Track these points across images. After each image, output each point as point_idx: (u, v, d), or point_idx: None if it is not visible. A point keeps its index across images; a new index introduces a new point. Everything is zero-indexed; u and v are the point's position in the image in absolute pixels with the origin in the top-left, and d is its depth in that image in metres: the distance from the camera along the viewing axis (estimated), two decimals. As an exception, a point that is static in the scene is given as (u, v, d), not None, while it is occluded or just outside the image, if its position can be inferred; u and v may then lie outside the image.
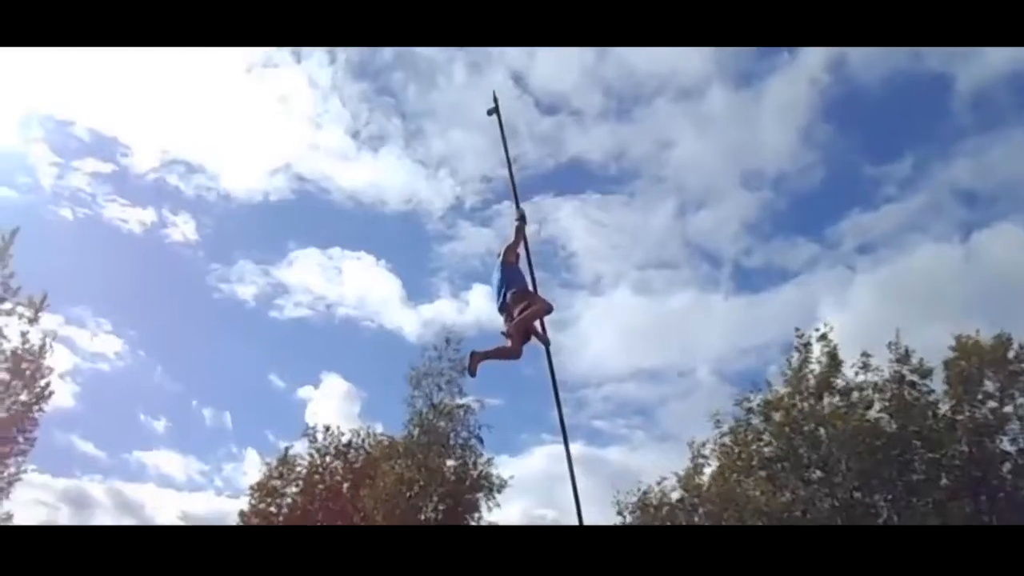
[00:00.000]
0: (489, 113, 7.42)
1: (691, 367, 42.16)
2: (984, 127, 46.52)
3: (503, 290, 6.87)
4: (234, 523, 24.15)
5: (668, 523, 22.67)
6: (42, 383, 19.88)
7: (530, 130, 49.78)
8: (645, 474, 27.96)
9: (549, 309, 6.90)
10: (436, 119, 50.91)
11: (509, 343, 6.72)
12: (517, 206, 7.09)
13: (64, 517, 29.94)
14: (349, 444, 25.32)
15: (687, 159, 49.36)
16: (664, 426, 40.50)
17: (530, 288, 6.93)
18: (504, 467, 24.16)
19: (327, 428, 25.66)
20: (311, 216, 51.87)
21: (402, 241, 52.55)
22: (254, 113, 54.07)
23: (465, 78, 50.40)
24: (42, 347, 20.13)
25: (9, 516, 19.41)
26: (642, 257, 50.33)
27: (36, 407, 19.70)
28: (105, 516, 30.89)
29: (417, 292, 49.84)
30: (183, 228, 47.42)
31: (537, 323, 6.81)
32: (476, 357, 6.79)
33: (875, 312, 32.71)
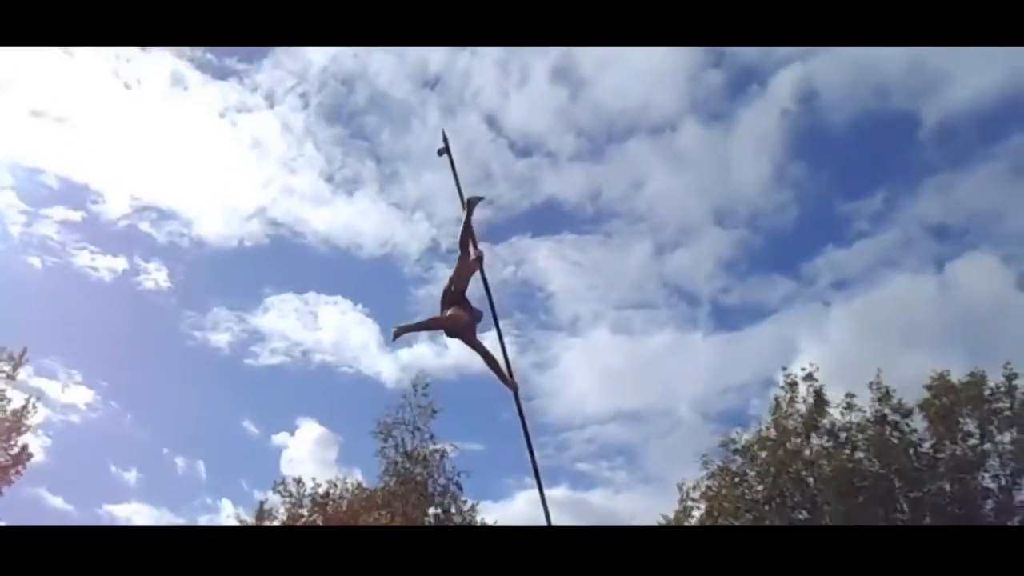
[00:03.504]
0: (440, 153, 7.22)
1: (672, 407, 41.90)
2: (951, 161, 48.32)
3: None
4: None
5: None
6: (19, 444, 19.00)
7: (505, 172, 50.11)
8: (630, 517, 27.61)
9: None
10: (410, 162, 51.02)
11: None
12: (474, 246, 6.87)
13: None
14: (327, 495, 24.55)
15: (662, 197, 50.15)
16: (647, 467, 40.17)
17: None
18: (487, 513, 23.76)
19: (298, 480, 24.91)
20: (286, 261, 51.20)
21: (378, 285, 52.05)
22: (227, 158, 53.70)
23: (438, 121, 50.94)
24: (24, 407, 19.31)
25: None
26: (620, 297, 50.27)
27: (13, 471, 18.73)
28: None
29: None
30: (155, 275, 45.94)
31: (503, 366, 6.67)
32: (400, 329, 6.60)
33: (853, 347, 33.18)
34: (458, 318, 6.65)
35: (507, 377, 6.65)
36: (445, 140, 7.18)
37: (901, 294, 37.30)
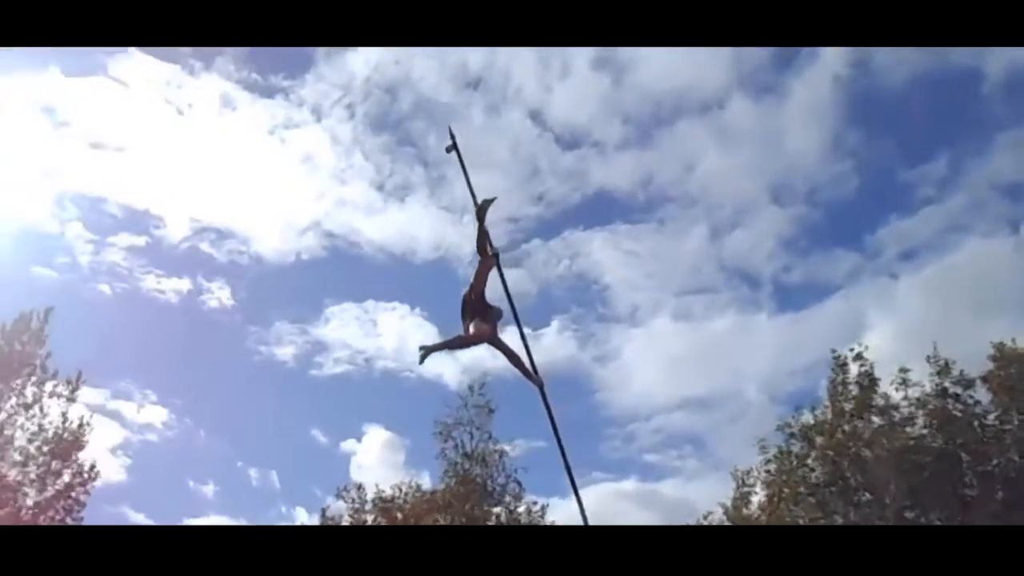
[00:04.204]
0: (448, 150, 7.29)
1: (740, 391, 41.09)
2: (1019, 116, 45.56)
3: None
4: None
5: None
6: (85, 463, 20.16)
7: (552, 166, 50.10)
8: (702, 505, 27.36)
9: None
10: (457, 164, 51.65)
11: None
12: (490, 244, 6.95)
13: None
14: (392, 499, 25.21)
15: (715, 179, 49.03)
16: (718, 454, 39.83)
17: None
18: (556, 510, 23.73)
19: (359, 486, 25.64)
20: (343, 271, 52.32)
21: (435, 289, 52.52)
22: (279, 174, 55.24)
23: (483, 120, 51.09)
24: (80, 426, 20.51)
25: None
26: (679, 284, 49.73)
27: (81, 488, 19.92)
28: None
29: (453, 339, 49.60)
30: (219, 294, 47.65)
31: (527, 363, 6.74)
32: (427, 350, 6.84)
33: (925, 317, 31.95)
34: (481, 333, 6.82)
35: (532, 373, 6.73)
36: (452, 137, 7.30)
37: (974, 259, 35.75)
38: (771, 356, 42.71)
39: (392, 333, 47.17)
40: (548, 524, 22.96)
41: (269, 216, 59.46)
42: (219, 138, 52.88)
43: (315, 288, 55.66)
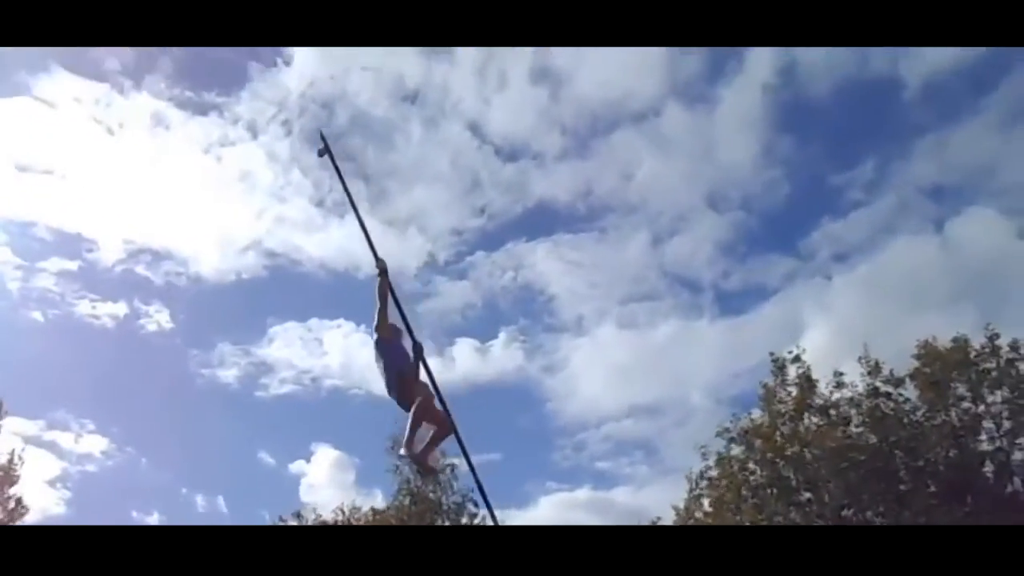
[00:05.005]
0: (320, 154, 7.18)
1: (685, 396, 41.87)
2: (940, 120, 48.30)
3: (390, 373, 6.60)
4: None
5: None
6: (12, 498, 19.34)
7: (493, 178, 50.48)
8: (654, 511, 27.54)
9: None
10: (398, 178, 51.33)
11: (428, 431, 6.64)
12: (376, 257, 6.70)
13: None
14: (334, 524, 24.76)
15: (653, 186, 50.03)
16: (667, 460, 40.37)
17: (412, 363, 6.65)
18: (512, 521, 23.82)
19: (298, 514, 25.44)
20: (286, 290, 51.85)
21: (380, 305, 51.99)
22: (216, 193, 54.15)
23: (422, 134, 51.05)
24: (12, 460, 19.66)
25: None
26: (622, 292, 50.21)
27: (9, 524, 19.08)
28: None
29: (401, 354, 49.15)
30: (157, 317, 46.74)
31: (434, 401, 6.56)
32: (423, 458, 6.69)
33: (860, 316, 33.01)
34: (444, 420, 6.63)
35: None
36: (324, 140, 7.19)
37: (903, 258, 37.42)
38: (714, 360, 43.81)
39: (338, 351, 46.72)
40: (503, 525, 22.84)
41: (207, 236, 58.64)
42: (152, 157, 51.79)
43: (257, 308, 54.81)
